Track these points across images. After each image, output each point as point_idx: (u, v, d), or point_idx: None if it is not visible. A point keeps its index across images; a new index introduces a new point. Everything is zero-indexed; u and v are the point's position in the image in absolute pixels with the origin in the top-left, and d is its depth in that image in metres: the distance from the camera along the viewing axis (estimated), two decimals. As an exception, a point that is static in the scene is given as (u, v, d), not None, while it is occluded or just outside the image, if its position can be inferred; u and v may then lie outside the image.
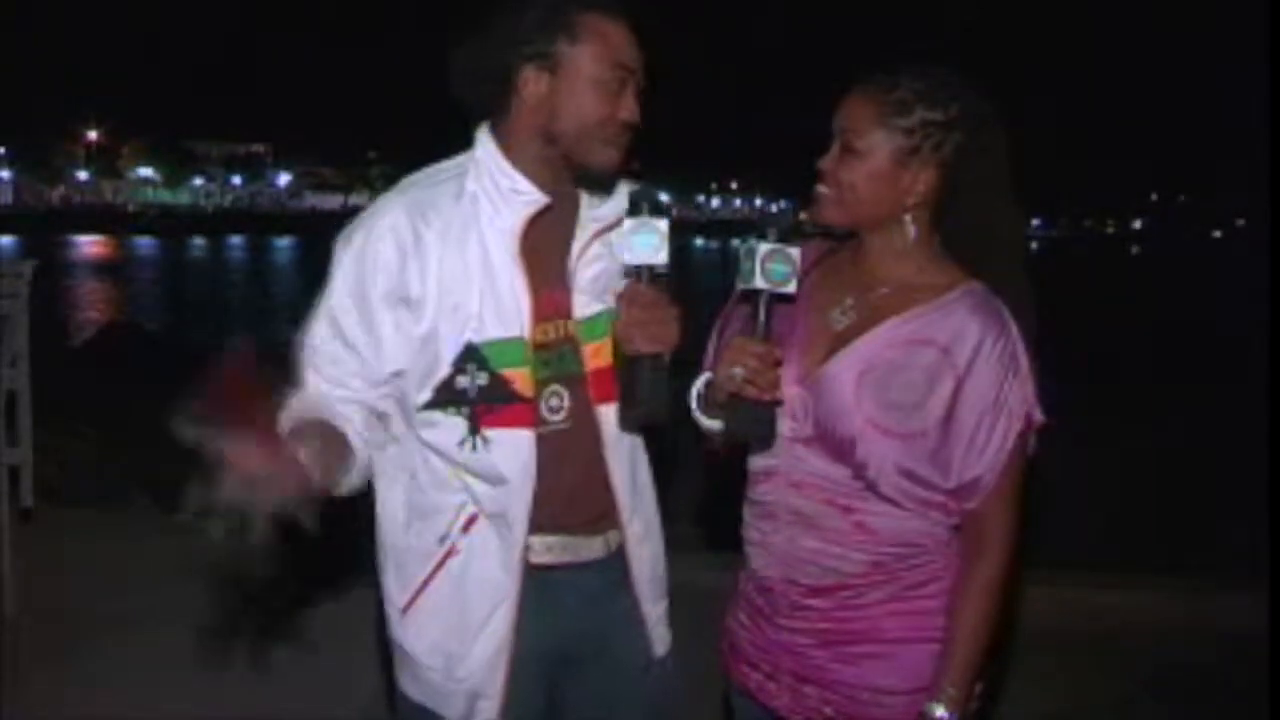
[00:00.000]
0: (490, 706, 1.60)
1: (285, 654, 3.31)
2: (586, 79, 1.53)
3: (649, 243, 1.47)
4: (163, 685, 3.13)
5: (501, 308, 1.55)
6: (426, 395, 1.55)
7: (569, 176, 1.58)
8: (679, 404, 1.59)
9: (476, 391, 1.54)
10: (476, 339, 1.54)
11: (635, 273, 1.50)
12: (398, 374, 1.57)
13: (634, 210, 1.48)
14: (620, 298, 1.52)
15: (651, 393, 1.49)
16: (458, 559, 1.59)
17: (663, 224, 1.48)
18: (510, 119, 1.57)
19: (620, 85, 1.54)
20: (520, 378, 1.56)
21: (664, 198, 1.58)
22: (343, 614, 3.45)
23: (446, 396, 1.55)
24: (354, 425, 1.56)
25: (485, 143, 1.59)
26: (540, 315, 1.58)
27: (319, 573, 3.87)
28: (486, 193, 1.57)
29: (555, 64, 1.53)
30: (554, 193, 1.58)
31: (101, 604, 3.65)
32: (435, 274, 1.53)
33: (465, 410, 1.55)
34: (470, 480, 1.57)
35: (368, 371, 1.56)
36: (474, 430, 1.55)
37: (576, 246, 1.61)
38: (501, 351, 1.55)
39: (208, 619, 3.56)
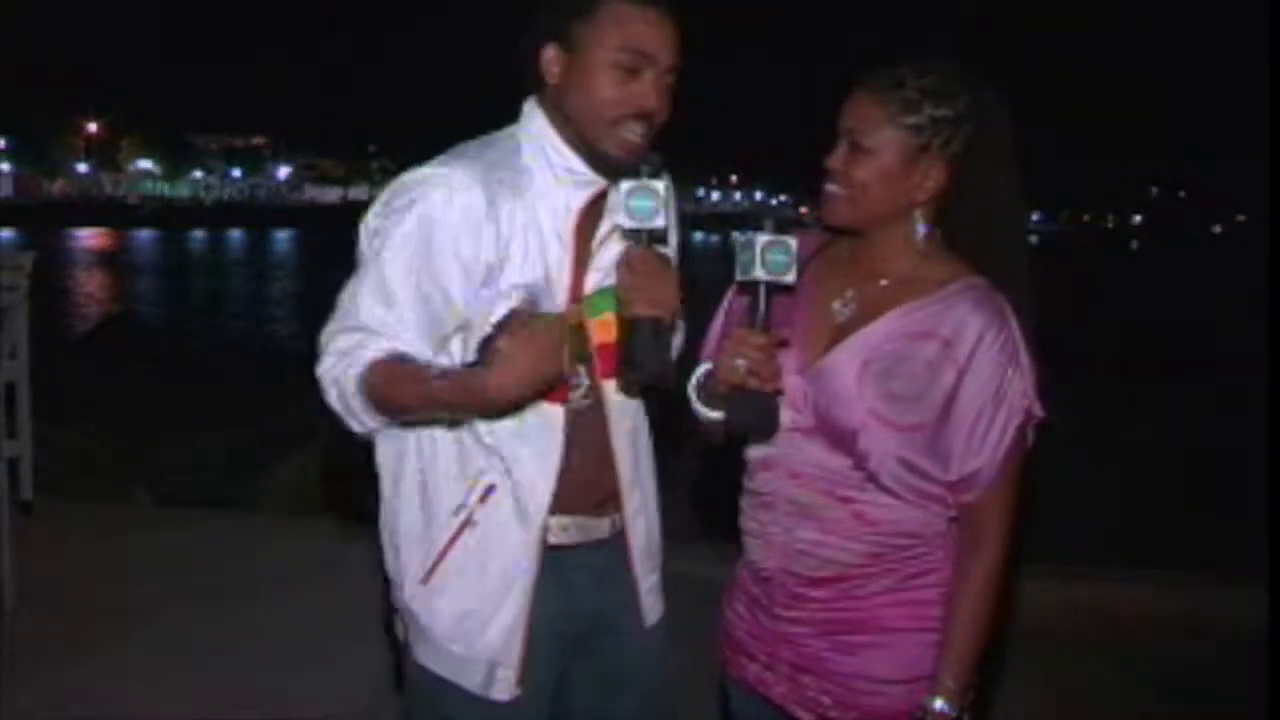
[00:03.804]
0: (508, 676, 1.60)
1: (285, 646, 3.31)
2: (598, 61, 1.51)
3: (647, 206, 1.46)
4: (162, 677, 3.13)
5: (549, 282, 1.56)
6: (472, 355, 1.55)
7: (602, 162, 1.58)
8: (677, 369, 1.59)
9: None
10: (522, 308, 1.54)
11: (633, 236, 1.50)
12: (461, 327, 1.55)
13: (633, 173, 1.47)
14: (620, 261, 1.52)
15: (649, 356, 1.49)
16: (474, 531, 1.58)
17: (661, 186, 1.47)
18: (544, 100, 1.59)
19: (632, 71, 1.51)
20: None
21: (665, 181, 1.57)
22: (343, 605, 3.45)
23: (489, 358, 1.52)
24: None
25: (536, 117, 1.59)
26: (573, 296, 1.59)
27: (319, 564, 3.88)
28: (540, 168, 1.57)
29: (572, 44, 1.53)
30: (601, 176, 1.58)
31: (101, 596, 3.65)
32: (505, 240, 1.52)
33: None
34: (496, 449, 1.57)
35: (426, 330, 1.53)
36: None
37: (601, 231, 1.61)
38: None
39: (207, 611, 3.57)
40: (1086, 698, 3.24)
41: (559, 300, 1.57)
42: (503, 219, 1.53)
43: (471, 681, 1.61)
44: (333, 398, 1.51)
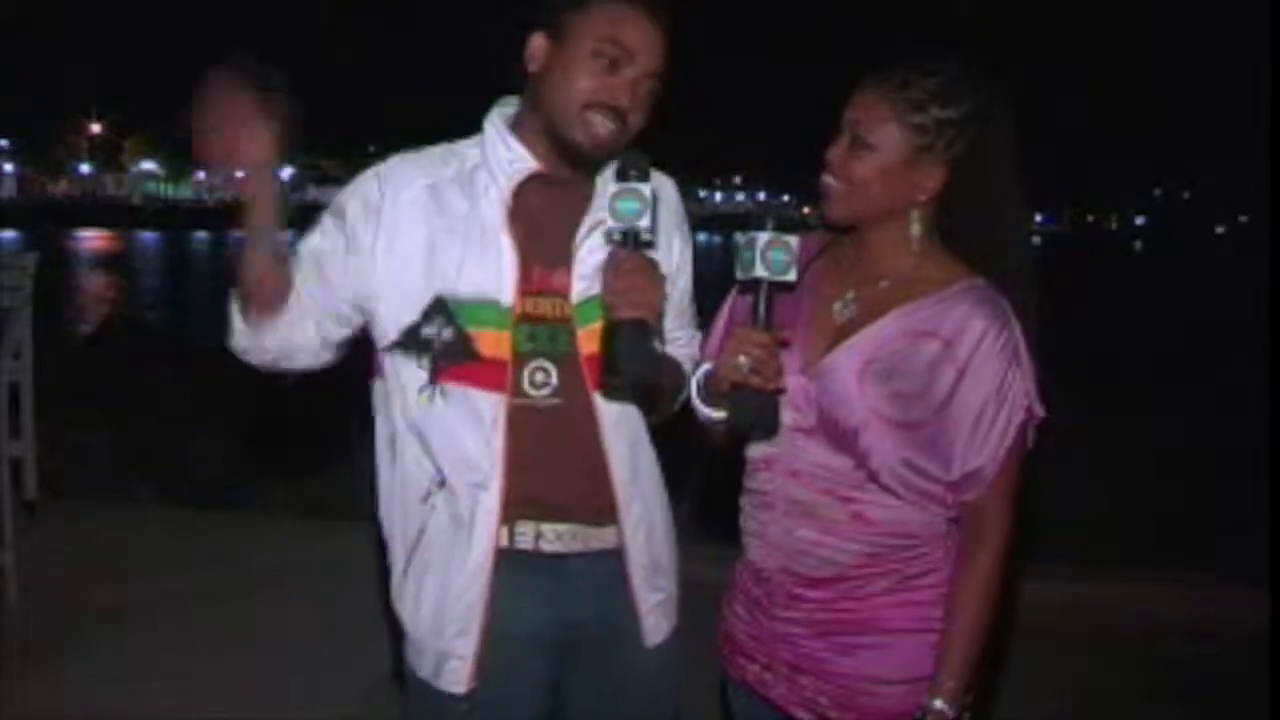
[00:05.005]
0: (460, 667, 1.60)
1: (285, 646, 3.32)
2: (581, 50, 1.54)
3: (633, 208, 1.47)
4: (162, 677, 3.14)
5: (483, 269, 1.57)
6: (394, 336, 1.59)
7: (565, 152, 1.59)
8: (657, 374, 1.58)
9: (441, 345, 1.57)
10: (448, 294, 1.57)
11: (619, 238, 1.50)
12: (359, 305, 1.62)
13: (621, 176, 1.48)
14: (604, 264, 1.52)
15: (632, 359, 1.48)
16: (437, 517, 1.60)
17: (647, 189, 1.47)
18: (524, 88, 1.62)
19: (611, 65, 1.54)
20: (489, 340, 1.57)
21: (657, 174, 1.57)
22: (343, 605, 3.46)
23: (411, 342, 1.57)
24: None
25: (493, 118, 1.64)
26: (529, 288, 1.59)
27: (319, 564, 3.89)
28: (487, 163, 1.60)
29: (559, 34, 1.56)
30: (561, 169, 1.60)
31: (101, 596, 3.66)
32: (389, 233, 1.58)
33: (426, 360, 1.58)
34: (431, 439, 1.59)
35: (323, 290, 1.63)
36: (432, 380, 1.58)
37: (582, 229, 1.61)
38: (472, 311, 1.57)
39: (206, 611, 3.58)
40: (1086, 698, 3.24)
41: (499, 290, 1.57)
42: (386, 213, 1.58)
43: (425, 669, 1.63)
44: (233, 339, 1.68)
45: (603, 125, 1.55)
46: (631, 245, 1.50)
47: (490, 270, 1.57)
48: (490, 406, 1.58)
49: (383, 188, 1.60)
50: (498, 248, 1.57)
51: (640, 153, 1.52)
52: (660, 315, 1.54)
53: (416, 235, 1.58)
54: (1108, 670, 3.36)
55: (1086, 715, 3.23)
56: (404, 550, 1.65)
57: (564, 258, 1.61)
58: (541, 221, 1.60)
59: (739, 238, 1.50)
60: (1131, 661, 3.41)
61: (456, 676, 1.61)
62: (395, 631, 1.74)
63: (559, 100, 1.56)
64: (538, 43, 1.58)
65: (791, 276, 1.45)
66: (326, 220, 1.65)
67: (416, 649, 1.65)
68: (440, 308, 1.57)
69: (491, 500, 1.59)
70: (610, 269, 1.50)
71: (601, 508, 1.65)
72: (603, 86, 1.54)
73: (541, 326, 1.60)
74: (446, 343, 1.57)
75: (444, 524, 1.60)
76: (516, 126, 1.62)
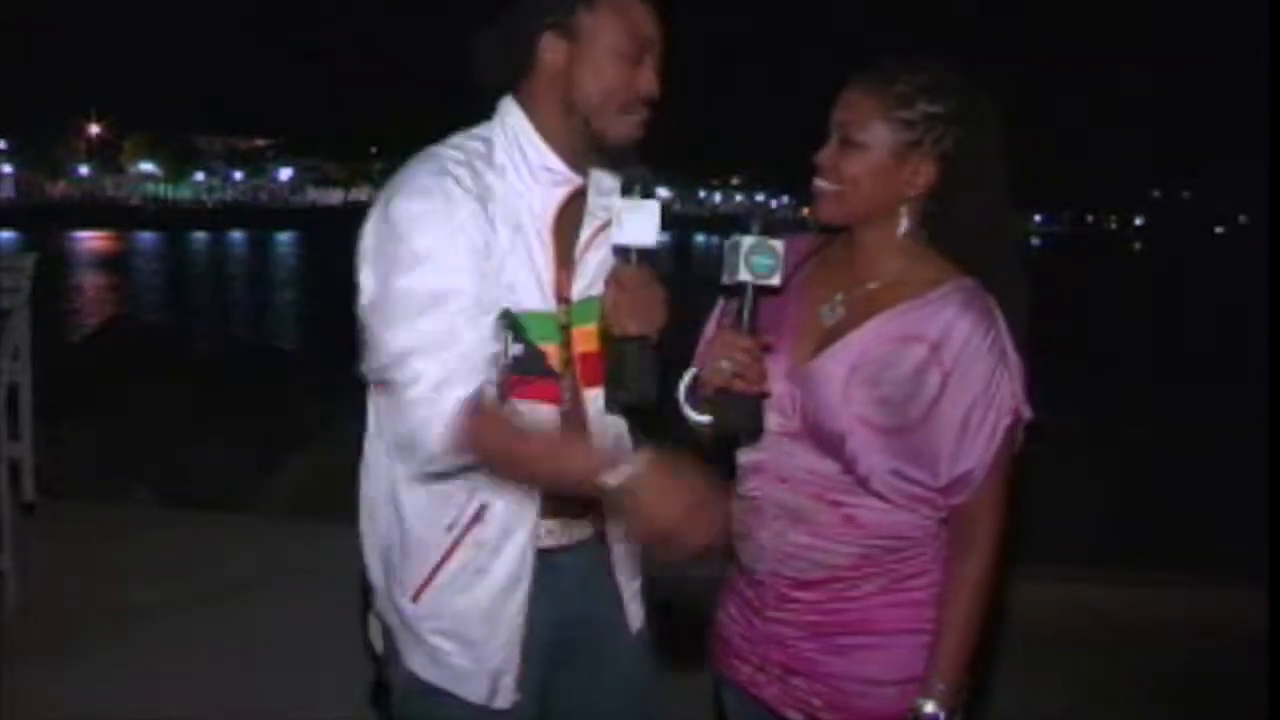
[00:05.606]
0: (510, 683, 1.60)
1: (285, 647, 3.32)
2: (605, 48, 1.52)
3: (640, 224, 1.47)
4: (162, 677, 3.15)
5: (536, 281, 1.55)
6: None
7: (588, 153, 1.57)
8: (666, 389, 1.59)
9: (511, 361, 1.52)
10: (514, 308, 1.52)
11: (625, 253, 1.50)
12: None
13: (626, 192, 1.48)
14: (609, 279, 1.52)
15: (636, 376, 1.49)
16: (468, 548, 1.56)
17: (654, 206, 1.48)
18: (533, 91, 1.57)
19: (639, 57, 1.53)
20: (553, 353, 1.56)
21: (663, 192, 1.57)
22: (343, 606, 3.46)
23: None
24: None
25: (513, 113, 1.58)
26: (558, 296, 1.58)
27: (318, 565, 3.88)
28: (515, 165, 1.55)
29: (574, 33, 1.52)
30: (578, 170, 1.58)
31: (101, 597, 3.66)
32: (492, 243, 1.50)
33: (497, 378, 1.51)
34: None
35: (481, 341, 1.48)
36: (503, 399, 1.52)
37: (585, 234, 1.61)
38: (537, 323, 1.54)
39: (207, 612, 3.58)
40: (1086, 698, 3.24)
41: (549, 301, 1.56)
42: (494, 219, 1.52)
43: (476, 693, 1.59)
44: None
45: (641, 118, 1.55)
46: (636, 260, 1.50)
47: (542, 282, 1.55)
48: (550, 420, 1.56)
49: (464, 192, 1.48)
50: (544, 260, 1.55)
51: (644, 170, 1.52)
52: (664, 331, 1.53)
53: (482, 243, 1.49)
54: (1108, 670, 3.35)
55: (1086, 715, 3.23)
56: (417, 576, 1.58)
57: (569, 261, 1.61)
58: (562, 229, 1.59)
59: (725, 242, 1.49)
60: (1130, 662, 3.40)
61: (508, 694, 1.60)
62: (374, 653, 1.72)
63: (594, 102, 1.53)
64: (550, 44, 1.53)
65: (775, 280, 1.44)
66: (437, 278, 1.45)
67: (463, 675, 1.59)
68: (509, 322, 1.52)
69: (534, 512, 1.58)
70: (615, 284, 1.50)
71: (586, 503, 1.64)
72: (633, 84, 1.53)
73: (566, 333, 1.60)
74: (518, 358, 1.52)
75: (481, 548, 1.56)
76: (538, 129, 1.56)
